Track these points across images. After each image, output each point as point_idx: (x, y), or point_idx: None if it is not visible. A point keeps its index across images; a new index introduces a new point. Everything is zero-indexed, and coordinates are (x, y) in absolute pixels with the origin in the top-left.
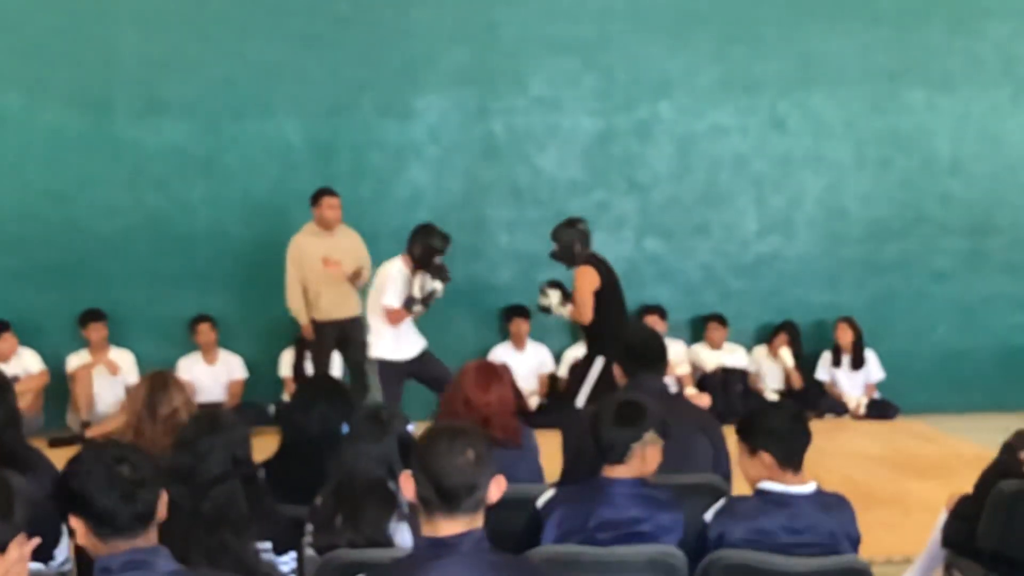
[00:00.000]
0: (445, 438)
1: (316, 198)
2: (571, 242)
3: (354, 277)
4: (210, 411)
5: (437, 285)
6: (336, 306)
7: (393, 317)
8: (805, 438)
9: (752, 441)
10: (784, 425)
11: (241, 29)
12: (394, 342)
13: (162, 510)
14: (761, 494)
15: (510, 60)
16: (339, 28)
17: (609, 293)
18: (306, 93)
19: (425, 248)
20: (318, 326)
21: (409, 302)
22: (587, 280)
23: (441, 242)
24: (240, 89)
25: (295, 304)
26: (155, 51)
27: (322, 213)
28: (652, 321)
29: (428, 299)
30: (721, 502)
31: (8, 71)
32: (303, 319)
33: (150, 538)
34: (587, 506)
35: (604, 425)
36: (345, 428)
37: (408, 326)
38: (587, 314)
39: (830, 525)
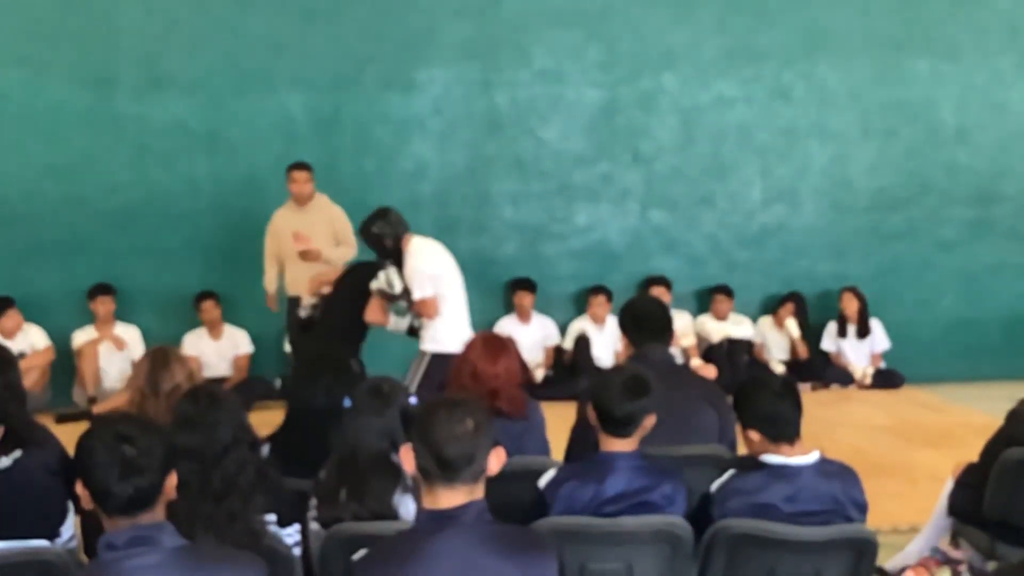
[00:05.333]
0: (444, 408)
1: (286, 173)
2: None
3: (306, 255)
4: (205, 387)
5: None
6: (299, 282)
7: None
8: (791, 413)
9: (741, 419)
10: (766, 404)
11: (242, 3)
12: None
13: (169, 491)
14: (764, 467)
15: (513, 32)
16: (341, 1)
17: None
18: (309, 67)
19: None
20: (288, 300)
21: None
22: None
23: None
24: (242, 64)
25: (265, 277)
26: (157, 26)
27: (289, 188)
28: (658, 292)
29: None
30: (726, 476)
31: (10, 48)
32: (269, 291)
33: (155, 515)
34: (595, 482)
35: (615, 400)
36: (347, 402)
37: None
38: None
39: (834, 492)
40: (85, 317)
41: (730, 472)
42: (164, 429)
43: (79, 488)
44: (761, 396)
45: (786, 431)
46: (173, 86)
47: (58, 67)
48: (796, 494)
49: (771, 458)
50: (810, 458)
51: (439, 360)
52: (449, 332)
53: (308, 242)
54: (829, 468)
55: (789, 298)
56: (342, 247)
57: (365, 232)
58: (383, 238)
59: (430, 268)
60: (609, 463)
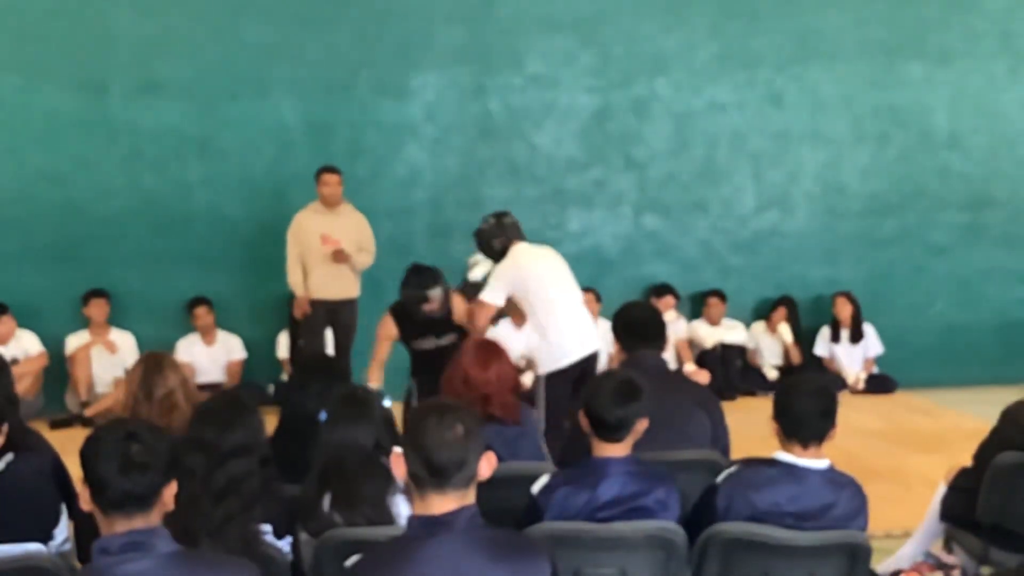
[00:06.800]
0: (435, 414)
1: (316, 176)
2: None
3: (339, 257)
4: (237, 393)
5: None
6: (325, 285)
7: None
8: (811, 415)
9: (774, 406)
10: (790, 397)
11: (236, 9)
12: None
13: (168, 500)
14: (773, 463)
15: (506, 38)
16: (335, 7)
17: None
18: (302, 73)
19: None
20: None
21: None
22: None
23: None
24: (236, 69)
25: (292, 279)
26: (151, 32)
27: (320, 190)
28: (663, 303)
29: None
30: (733, 467)
31: (4, 53)
32: (298, 293)
33: (150, 520)
34: (588, 487)
35: (606, 405)
36: (323, 415)
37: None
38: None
39: (835, 501)
40: (78, 323)
41: (739, 463)
42: (172, 437)
43: (79, 486)
44: (793, 389)
45: (798, 430)
46: (166, 91)
47: (51, 72)
48: (800, 497)
49: (782, 455)
50: (819, 464)
51: (550, 380)
52: (549, 350)
53: (338, 243)
54: (838, 478)
55: (782, 303)
56: (363, 254)
57: (480, 230)
58: (492, 239)
59: (512, 272)
60: (602, 468)
